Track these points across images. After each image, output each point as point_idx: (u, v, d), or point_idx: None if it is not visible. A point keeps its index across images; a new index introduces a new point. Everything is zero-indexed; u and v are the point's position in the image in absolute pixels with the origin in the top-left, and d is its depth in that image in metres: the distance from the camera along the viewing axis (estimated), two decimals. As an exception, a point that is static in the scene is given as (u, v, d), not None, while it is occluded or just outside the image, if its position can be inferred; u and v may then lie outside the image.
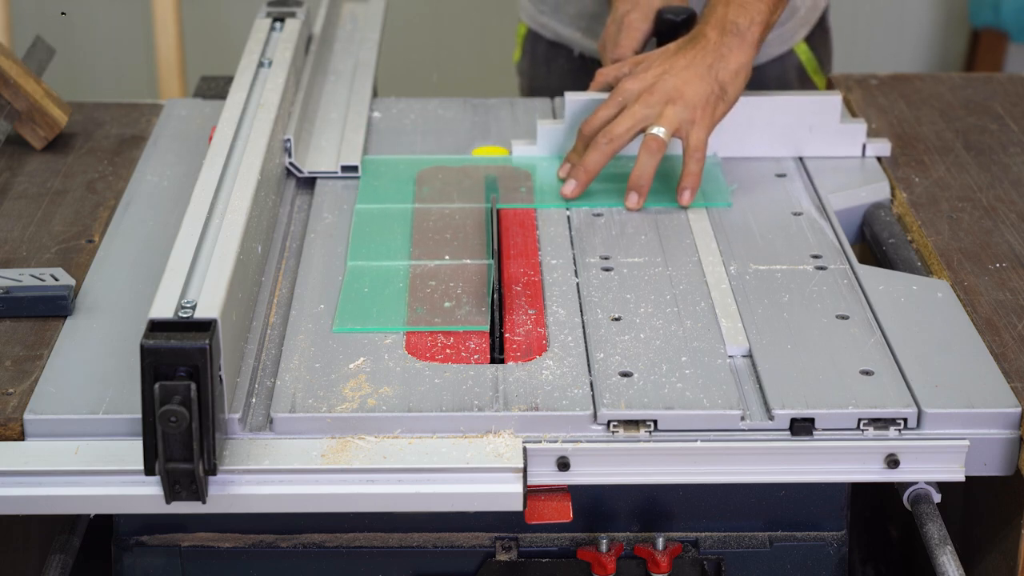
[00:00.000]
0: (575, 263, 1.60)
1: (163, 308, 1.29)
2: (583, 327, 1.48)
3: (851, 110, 1.97)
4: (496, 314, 1.50)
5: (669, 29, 1.87)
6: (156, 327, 1.26)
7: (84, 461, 1.30)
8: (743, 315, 1.49)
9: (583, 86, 1.86)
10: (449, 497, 1.31)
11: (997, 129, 1.93)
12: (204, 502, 1.28)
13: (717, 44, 1.72)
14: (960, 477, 1.36)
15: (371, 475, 1.31)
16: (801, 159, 1.82)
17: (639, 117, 1.70)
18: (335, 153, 1.81)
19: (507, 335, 1.46)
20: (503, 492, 1.31)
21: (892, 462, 1.35)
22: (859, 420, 1.35)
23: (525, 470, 1.32)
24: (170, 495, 1.27)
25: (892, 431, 1.35)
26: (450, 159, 1.83)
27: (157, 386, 1.22)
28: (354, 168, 1.78)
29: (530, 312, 1.50)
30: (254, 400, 1.38)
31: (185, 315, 1.28)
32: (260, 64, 1.83)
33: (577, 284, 1.56)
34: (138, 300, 1.48)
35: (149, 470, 1.25)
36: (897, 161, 1.84)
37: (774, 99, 1.83)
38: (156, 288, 1.33)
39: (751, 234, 1.66)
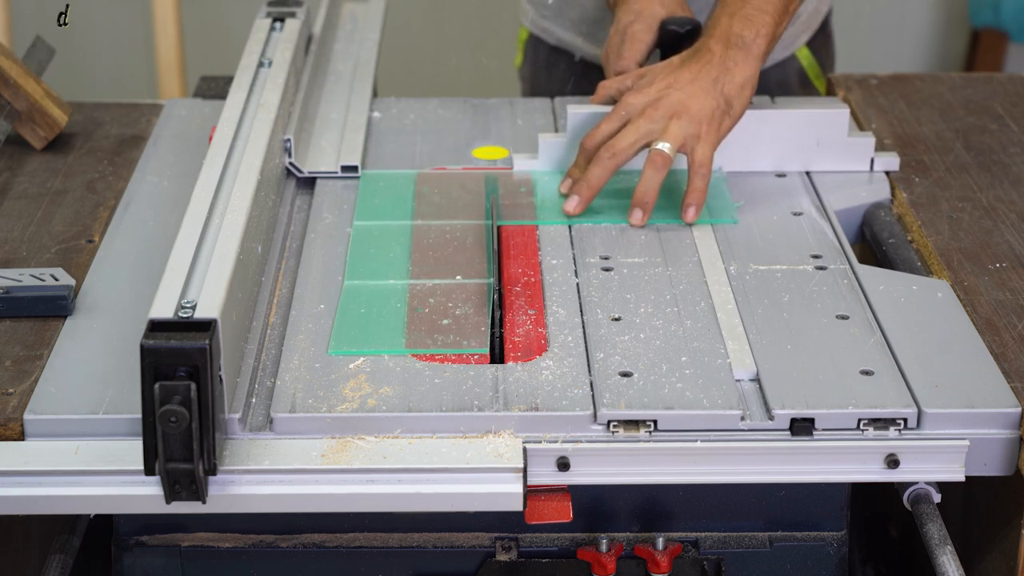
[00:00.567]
0: (575, 263, 1.60)
1: (163, 308, 1.29)
2: (583, 327, 1.48)
3: (851, 110, 1.97)
4: (496, 314, 1.49)
5: (673, 40, 1.83)
6: (156, 327, 1.26)
7: (84, 461, 1.30)
8: (743, 315, 1.49)
9: (584, 91, 1.84)
10: (449, 497, 1.31)
11: (997, 129, 1.93)
12: (204, 502, 1.28)
13: (722, 57, 1.69)
14: (960, 477, 1.36)
15: (371, 475, 1.31)
16: (808, 174, 1.79)
17: (643, 132, 1.66)
18: (335, 153, 1.81)
19: (507, 335, 1.46)
20: (503, 492, 1.31)
21: (892, 462, 1.35)
22: (859, 420, 1.35)
23: (525, 470, 1.32)
24: (170, 495, 1.27)
25: (892, 431, 1.35)
26: (450, 171, 1.81)
27: (157, 386, 1.22)
28: (354, 168, 1.78)
29: (530, 312, 1.50)
30: (254, 400, 1.38)
31: (185, 315, 1.28)
32: (260, 64, 1.83)
33: (577, 284, 1.56)
34: (138, 300, 1.48)
35: (149, 470, 1.25)
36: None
37: (781, 113, 1.79)
38: (156, 288, 1.33)
39: (751, 234, 1.66)
